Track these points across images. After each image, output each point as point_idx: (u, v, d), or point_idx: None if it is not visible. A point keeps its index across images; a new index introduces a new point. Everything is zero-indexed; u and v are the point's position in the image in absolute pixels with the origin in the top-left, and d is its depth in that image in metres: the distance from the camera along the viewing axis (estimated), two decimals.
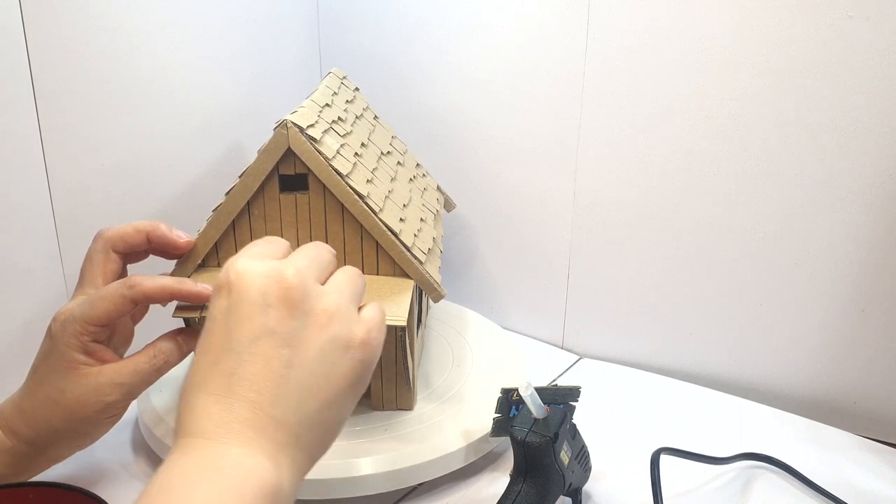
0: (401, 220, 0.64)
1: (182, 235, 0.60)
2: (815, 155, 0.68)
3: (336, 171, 0.59)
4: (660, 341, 0.81)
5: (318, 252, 0.47)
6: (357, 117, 0.72)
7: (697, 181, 0.74)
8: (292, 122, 0.58)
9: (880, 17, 0.62)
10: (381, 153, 0.71)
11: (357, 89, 0.78)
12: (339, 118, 0.66)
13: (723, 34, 0.68)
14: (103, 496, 0.50)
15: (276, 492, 0.39)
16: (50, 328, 0.55)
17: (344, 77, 0.77)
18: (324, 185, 0.60)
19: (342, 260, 0.63)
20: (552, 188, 0.81)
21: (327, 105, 0.67)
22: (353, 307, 0.46)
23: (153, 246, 0.60)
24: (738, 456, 0.65)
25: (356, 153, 0.65)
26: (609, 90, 0.75)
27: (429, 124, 0.87)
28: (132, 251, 0.60)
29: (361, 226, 0.61)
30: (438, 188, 0.82)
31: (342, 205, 0.60)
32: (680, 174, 0.74)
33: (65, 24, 0.66)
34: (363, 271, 0.62)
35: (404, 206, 0.67)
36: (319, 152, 0.59)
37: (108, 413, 0.55)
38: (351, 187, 0.60)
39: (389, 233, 0.61)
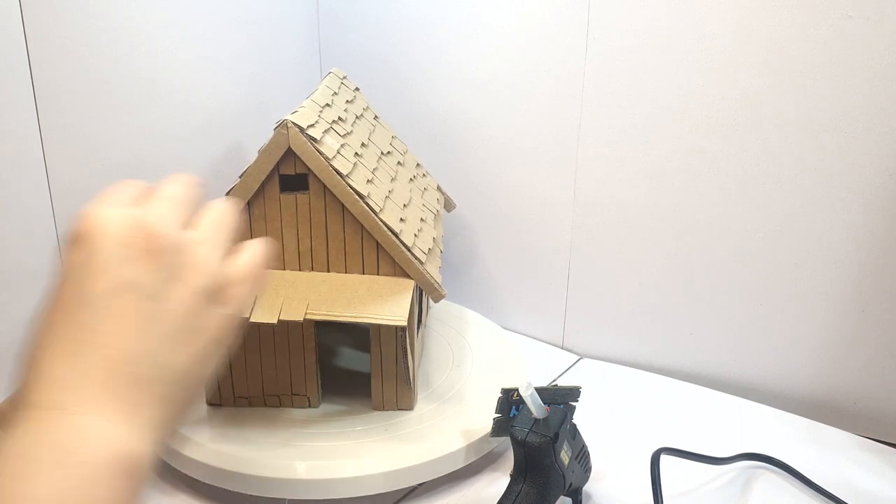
0: (401, 220, 0.64)
1: None
2: (815, 155, 0.68)
3: (336, 171, 0.59)
4: (660, 341, 0.81)
5: (183, 192, 0.42)
6: (357, 117, 0.72)
7: (697, 181, 0.74)
8: (292, 122, 0.58)
9: (880, 17, 0.63)
10: (382, 153, 0.71)
11: (357, 89, 0.78)
12: (340, 118, 0.66)
13: (723, 34, 0.69)
14: None
15: (134, 466, 0.36)
16: None
17: (344, 77, 0.77)
18: (324, 185, 0.60)
19: (342, 260, 0.63)
20: (552, 188, 0.81)
21: (327, 105, 0.67)
22: (223, 254, 0.42)
23: None
24: (738, 456, 0.65)
25: (356, 153, 0.65)
26: (609, 90, 0.75)
27: (429, 124, 0.87)
28: None
29: (362, 226, 0.61)
30: (438, 188, 0.82)
31: (342, 205, 0.60)
32: (680, 174, 0.74)
33: (65, 24, 0.66)
34: (363, 271, 0.63)
35: (404, 206, 0.67)
36: (320, 152, 0.59)
37: None
38: (351, 187, 0.60)
39: (390, 233, 0.61)
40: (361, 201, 0.60)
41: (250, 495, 0.60)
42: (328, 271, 0.63)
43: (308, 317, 0.58)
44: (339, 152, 0.61)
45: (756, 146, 0.70)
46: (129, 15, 0.71)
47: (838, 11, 0.64)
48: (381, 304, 0.59)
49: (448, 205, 0.83)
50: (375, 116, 0.78)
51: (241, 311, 0.42)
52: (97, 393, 0.36)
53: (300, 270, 0.63)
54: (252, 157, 0.61)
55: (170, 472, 0.64)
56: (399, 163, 0.74)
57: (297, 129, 0.58)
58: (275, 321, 0.57)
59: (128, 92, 0.72)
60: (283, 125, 0.58)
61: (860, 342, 0.72)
